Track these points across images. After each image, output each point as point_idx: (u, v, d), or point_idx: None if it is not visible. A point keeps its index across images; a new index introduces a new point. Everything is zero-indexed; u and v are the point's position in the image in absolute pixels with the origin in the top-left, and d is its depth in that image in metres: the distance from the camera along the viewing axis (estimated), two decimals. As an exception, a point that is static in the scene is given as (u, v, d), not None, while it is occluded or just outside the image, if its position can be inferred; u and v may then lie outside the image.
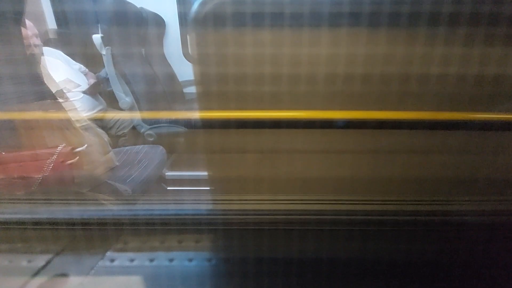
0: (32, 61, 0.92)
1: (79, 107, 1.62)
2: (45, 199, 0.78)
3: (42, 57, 1.66)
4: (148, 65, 2.05)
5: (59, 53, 1.77)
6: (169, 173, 1.69)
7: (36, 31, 1.61)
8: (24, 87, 0.85)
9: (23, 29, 1.51)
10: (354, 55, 0.57)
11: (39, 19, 2.03)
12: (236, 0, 0.56)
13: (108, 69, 1.76)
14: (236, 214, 0.66)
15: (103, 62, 1.77)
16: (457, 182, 0.65)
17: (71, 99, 1.57)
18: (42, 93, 0.90)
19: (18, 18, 0.79)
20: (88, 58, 1.86)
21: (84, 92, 1.69)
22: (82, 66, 1.85)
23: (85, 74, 1.81)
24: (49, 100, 0.92)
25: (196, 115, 0.64)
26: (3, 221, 0.67)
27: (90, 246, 0.65)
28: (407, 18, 0.54)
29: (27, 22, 1.59)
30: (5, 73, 0.81)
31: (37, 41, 1.58)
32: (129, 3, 1.87)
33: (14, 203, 0.78)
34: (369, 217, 0.64)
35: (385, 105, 0.60)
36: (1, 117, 0.82)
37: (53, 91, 0.98)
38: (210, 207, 0.72)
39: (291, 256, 0.61)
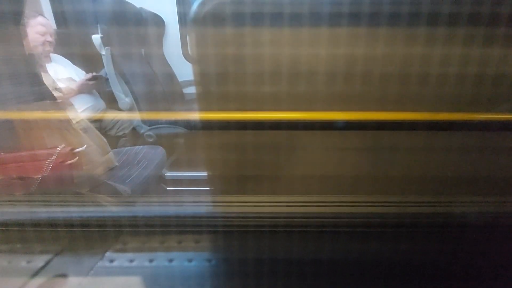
0: (32, 61, 0.92)
1: (78, 103, 1.62)
2: (44, 200, 0.78)
3: (51, 54, 1.67)
4: (147, 65, 2.05)
5: (67, 61, 1.79)
6: (169, 174, 1.69)
7: (51, 29, 1.62)
8: (24, 87, 0.85)
9: (39, 25, 1.52)
10: (355, 55, 0.57)
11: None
12: (236, 0, 0.56)
13: (108, 69, 1.77)
14: (236, 215, 0.66)
15: (102, 62, 1.78)
16: (458, 183, 0.65)
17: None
18: (41, 93, 0.90)
19: (17, 18, 0.79)
20: (88, 59, 1.86)
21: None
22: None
23: None
24: (48, 101, 0.92)
25: (195, 115, 0.64)
26: (2, 222, 0.66)
27: (90, 246, 0.65)
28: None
29: (43, 19, 1.60)
30: (5, 73, 0.81)
31: (51, 38, 1.59)
32: (128, 3, 1.87)
33: (13, 203, 0.77)
34: (370, 219, 0.64)
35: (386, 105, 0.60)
36: (0, 117, 0.82)
37: (52, 86, 0.99)
38: (209, 207, 0.72)
39: (291, 258, 0.61)
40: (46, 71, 1.37)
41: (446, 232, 0.65)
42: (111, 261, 0.61)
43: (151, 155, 1.47)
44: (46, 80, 0.97)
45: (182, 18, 2.18)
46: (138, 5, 1.97)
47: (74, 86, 1.68)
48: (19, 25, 0.81)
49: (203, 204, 0.74)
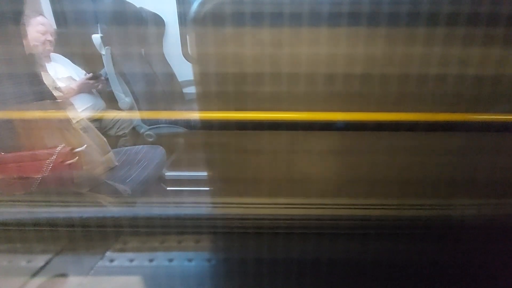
0: (32, 61, 0.92)
1: (78, 102, 1.62)
2: (44, 200, 0.78)
3: (51, 54, 1.67)
4: (147, 65, 2.05)
5: (67, 60, 1.79)
6: (169, 173, 1.69)
7: (52, 28, 1.63)
8: (23, 87, 0.85)
9: (39, 25, 1.52)
10: (354, 55, 0.57)
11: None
12: (236, 0, 0.56)
13: (108, 69, 1.77)
14: (235, 214, 0.66)
15: (102, 62, 1.77)
16: (456, 185, 0.65)
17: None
18: (41, 93, 0.90)
19: (17, 17, 0.79)
20: (88, 59, 1.86)
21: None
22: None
23: None
24: (48, 100, 0.92)
25: (195, 115, 0.64)
26: (2, 222, 0.66)
27: (90, 246, 0.65)
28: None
29: (43, 18, 1.60)
30: (5, 73, 0.81)
31: (51, 37, 1.59)
32: (128, 3, 1.87)
33: (13, 203, 0.77)
34: (369, 221, 0.64)
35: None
36: (1, 117, 0.82)
37: (52, 85, 0.99)
38: (209, 207, 0.72)
39: (290, 257, 0.61)
40: (46, 71, 1.37)
41: (445, 234, 0.65)
42: (111, 261, 0.61)
43: (151, 155, 1.47)
44: (46, 79, 0.97)
45: (182, 18, 2.18)
46: (138, 5, 1.96)
47: (74, 85, 1.68)
48: (19, 25, 0.81)
49: (203, 204, 0.74)
